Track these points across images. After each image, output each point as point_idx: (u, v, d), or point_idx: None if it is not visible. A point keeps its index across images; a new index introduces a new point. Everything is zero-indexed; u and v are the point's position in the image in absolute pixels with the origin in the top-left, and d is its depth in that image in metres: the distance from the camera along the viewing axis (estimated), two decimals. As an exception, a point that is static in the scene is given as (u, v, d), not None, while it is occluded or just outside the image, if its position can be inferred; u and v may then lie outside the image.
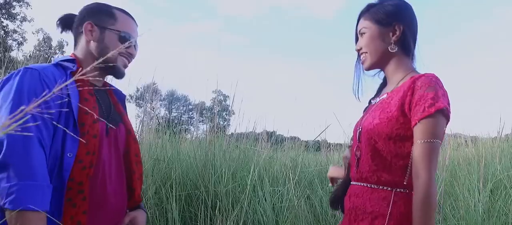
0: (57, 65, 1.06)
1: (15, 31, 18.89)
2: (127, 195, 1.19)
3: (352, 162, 1.16)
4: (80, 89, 0.99)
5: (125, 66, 1.18)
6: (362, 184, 1.09)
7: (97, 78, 1.18)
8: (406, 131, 1.00)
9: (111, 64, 1.11)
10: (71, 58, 1.11)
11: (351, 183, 1.16)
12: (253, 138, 3.77)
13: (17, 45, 19.01)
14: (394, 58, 1.14)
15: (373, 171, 1.05)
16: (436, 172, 0.96)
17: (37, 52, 19.15)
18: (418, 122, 0.96)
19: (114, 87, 1.30)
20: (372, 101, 1.23)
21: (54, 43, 20.93)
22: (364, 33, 1.16)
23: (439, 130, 0.97)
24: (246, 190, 2.48)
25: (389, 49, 1.12)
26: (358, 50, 1.19)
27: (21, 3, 18.78)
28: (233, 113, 3.84)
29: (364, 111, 1.25)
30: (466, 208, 2.64)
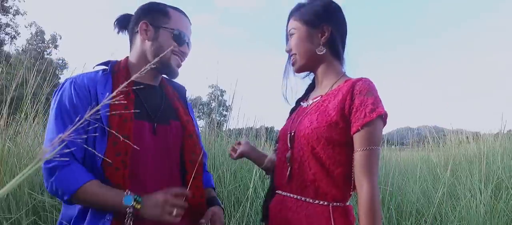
0: (100, 69, 1.12)
1: (8, 25, 18.67)
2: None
3: (280, 169, 1.10)
4: (115, 99, 0.96)
5: (178, 65, 1.18)
6: (295, 197, 1.03)
7: (143, 75, 1.14)
8: (345, 137, 0.99)
9: (165, 64, 1.13)
10: (110, 60, 1.15)
11: (278, 192, 1.10)
12: (252, 135, 3.77)
13: (10, 39, 18.79)
14: (324, 60, 1.12)
15: (311, 181, 1.01)
16: (378, 178, 0.97)
17: (30, 46, 18.99)
18: (360, 127, 0.96)
19: (175, 83, 1.30)
20: (302, 103, 1.18)
21: (47, 37, 20.71)
22: (293, 34, 1.13)
23: (379, 136, 0.98)
24: (248, 191, 2.48)
25: (317, 51, 1.10)
26: (288, 51, 1.17)
27: (15, -4, 18.55)
28: (231, 109, 3.83)
29: (291, 112, 1.21)
30: (468, 209, 2.66)
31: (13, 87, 2.60)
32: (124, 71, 1.11)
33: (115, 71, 1.10)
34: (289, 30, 1.15)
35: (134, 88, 1.09)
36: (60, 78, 15.24)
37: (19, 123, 2.59)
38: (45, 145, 0.98)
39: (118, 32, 1.21)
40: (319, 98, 1.10)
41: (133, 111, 1.02)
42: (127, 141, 0.96)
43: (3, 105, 2.53)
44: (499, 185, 2.97)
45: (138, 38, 1.15)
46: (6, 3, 18.28)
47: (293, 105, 1.23)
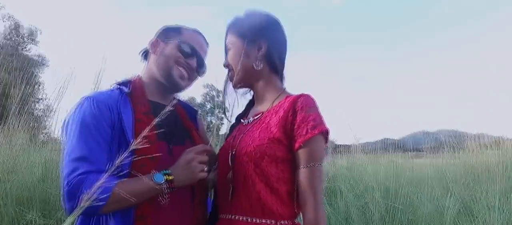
0: (116, 88, 1.18)
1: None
2: (193, 217, 1.18)
3: (222, 191, 1.12)
4: (138, 118, 1.10)
5: (182, 77, 1.23)
6: (242, 218, 1.05)
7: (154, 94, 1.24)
8: (288, 154, 1.04)
9: (167, 74, 1.20)
10: (128, 80, 1.23)
11: (222, 216, 1.11)
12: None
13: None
14: (263, 76, 1.17)
15: (256, 199, 1.03)
16: (322, 195, 1.03)
17: (6, 41, 18.70)
18: (302, 144, 1.01)
19: (185, 104, 1.38)
20: (242, 120, 1.22)
21: (24, 31, 20.37)
22: (230, 49, 1.19)
23: (322, 153, 1.04)
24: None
25: (253, 66, 1.14)
26: (226, 66, 1.22)
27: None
28: (228, 110, 3.78)
29: (231, 129, 1.24)
30: None
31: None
32: (140, 91, 1.19)
33: (131, 92, 1.17)
34: (226, 45, 1.20)
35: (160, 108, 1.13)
36: (40, 76, 15.06)
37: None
38: (69, 164, 1.01)
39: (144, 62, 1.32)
40: (260, 115, 1.14)
41: (155, 132, 1.08)
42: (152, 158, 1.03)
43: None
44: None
45: (150, 57, 1.26)
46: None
47: (233, 122, 1.27)
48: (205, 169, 1.09)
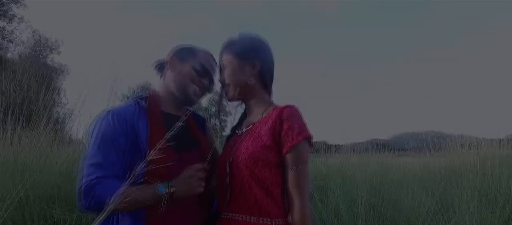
0: (135, 102, 1.35)
1: (12, 32, 19.68)
2: (200, 217, 1.34)
3: (221, 194, 1.27)
4: (153, 128, 1.27)
5: (196, 94, 1.41)
6: (239, 217, 1.19)
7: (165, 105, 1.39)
8: (278, 158, 1.19)
9: (183, 91, 1.38)
10: (145, 95, 1.38)
11: (223, 215, 1.25)
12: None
13: (14, 46, 19.83)
14: (254, 90, 1.34)
15: (253, 201, 1.17)
16: (309, 194, 1.17)
17: (33, 52, 19.85)
18: (289, 149, 1.16)
19: (195, 114, 1.53)
20: (237, 131, 1.37)
21: (49, 44, 21.55)
22: (226, 67, 1.34)
23: (306, 156, 1.20)
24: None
25: (247, 82, 1.31)
26: (222, 82, 1.38)
27: (18, 4, 19.58)
28: (230, 114, 4.14)
29: (227, 139, 1.40)
30: (456, 222, 2.76)
31: (18, 95, 2.95)
32: (156, 105, 1.36)
33: (148, 105, 1.34)
34: (223, 63, 1.37)
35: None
36: (61, 83, 15.89)
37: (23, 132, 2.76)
38: (87, 168, 1.19)
39: (158, 74, 1.49)
40: (251, 125, 1.30)
41: (168, 144, 1.18)
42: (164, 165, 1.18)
43: (9, 116, 2.75)
44: (491, 197, 3.06)
45: (167, 73, 1.43)
46: (10, 11, 19.28)
47: (229, 133, 1.44)
48: (202, 184, 1.24)
